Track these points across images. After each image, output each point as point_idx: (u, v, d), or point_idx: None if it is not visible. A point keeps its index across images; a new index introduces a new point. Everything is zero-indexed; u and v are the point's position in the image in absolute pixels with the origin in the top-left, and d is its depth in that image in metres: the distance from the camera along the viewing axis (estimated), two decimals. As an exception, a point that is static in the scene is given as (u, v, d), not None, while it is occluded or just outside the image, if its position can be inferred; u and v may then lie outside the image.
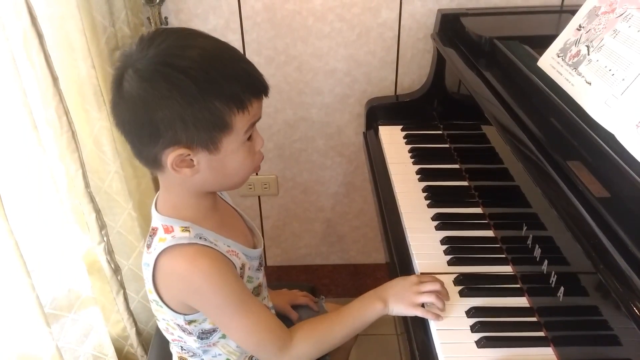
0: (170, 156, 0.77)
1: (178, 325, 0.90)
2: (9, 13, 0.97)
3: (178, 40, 0.78)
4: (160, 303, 0.87)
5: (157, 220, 0.86)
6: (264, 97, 0.82)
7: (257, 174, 1.71)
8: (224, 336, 0.93)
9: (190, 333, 0.90)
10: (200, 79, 0.74)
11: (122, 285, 1.33)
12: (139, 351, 1.44)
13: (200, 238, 0.84)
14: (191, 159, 0.79)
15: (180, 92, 0.73)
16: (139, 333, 1.43)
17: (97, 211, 1.22)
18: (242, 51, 1.52)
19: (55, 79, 1.05)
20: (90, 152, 1.25)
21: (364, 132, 1.52)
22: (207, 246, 0.84)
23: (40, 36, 1.00)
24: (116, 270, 1.30)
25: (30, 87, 1.03)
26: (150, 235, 0.87)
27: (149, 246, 0.86)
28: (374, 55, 1.54)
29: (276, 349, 0.89)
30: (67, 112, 1.09)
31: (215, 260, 0.83)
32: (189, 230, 0.83)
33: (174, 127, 0.75)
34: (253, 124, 0.81)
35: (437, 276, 0.95)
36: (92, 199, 1.19)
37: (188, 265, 0.82)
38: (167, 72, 0.74)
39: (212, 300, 0.84)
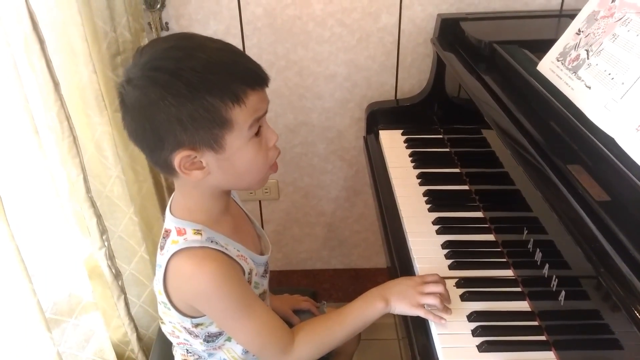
0: (177, 159, 0.78)
1: (185, 328, 0.90)
2: (10, 18, 0.97)
3: (165, 44, 0.78)
4: (169, 305, 0.87)
5: (170, 222, 0.87)
6: (261, 88, 0.80)
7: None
8: (229, 339, 0.93)
9: (196, 336, 0.91)
10: (189, 77, 0.73)
11: (123, 290, 1.33)
12: (140, 357, 1.43)
13: (211, 242, 0.84)
14: (200, 161, 0.79)
15: (171, 93, 0.73)
16: (140, 338, 1.43)
17: (98, 216, 1.22)
18: (242, 56, 1.53)
19: (56, 84, 1.05)
20: (92, 157, 1.25)
21: (364, 137, 1.52)
22: (217, 250, 0.84)
23: (41, 41, 1.01)
24: (117, 275, 1.30)
25: (31, 93, 1.03)
26: (163, 237, 0.87)
27: (162, 247, 0.87)
28: (374, 59, 1.54)
29: (279, 351, 0.90)
30: (68, 118, 1.09)
31: (222, 264, 0.84)
32: (201, 234, 0.84)
33: (173, 129, 0.75)
34: (258, 119, 0.80)
35: (438, 280, 0.95)
36: (93, 204, 1.19)
37: (194, 268, 0.82)
38: (155, 76, 0.74)
39: (217, 304, 0.85)
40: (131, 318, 1.38)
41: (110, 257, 1.27)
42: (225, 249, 0.85)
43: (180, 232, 0.84)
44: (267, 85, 0.81)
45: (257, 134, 0.81)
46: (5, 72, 0.97)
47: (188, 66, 0.74)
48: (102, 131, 1.23)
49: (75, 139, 1.12)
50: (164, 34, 1.47)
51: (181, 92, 0.73)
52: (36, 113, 1.04)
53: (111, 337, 1.36)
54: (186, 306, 0.87)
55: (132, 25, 1.31)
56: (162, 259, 0.85)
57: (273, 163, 0.86)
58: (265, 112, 0.82)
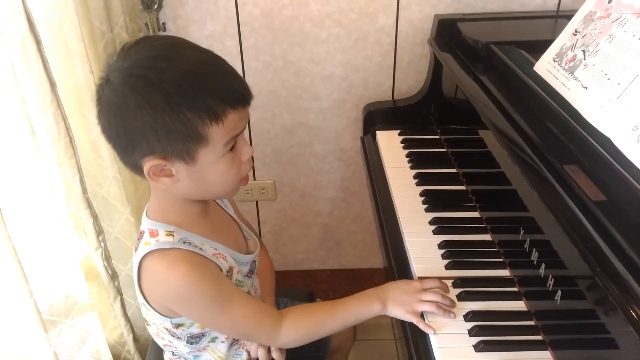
0: (146, 165, 0.78)
1: (167, 329, 0.90)
2: (7, 19, 0.97)
3: (151, 51, 0.77)
4: (148, 306, 0.88)
5: (145, 224, 0.87)
6: (242, 107, 0.79)
7: (254, 179, 1.72)
8: (213, 340, 0.93)
9: (179, 338, 0.91)
10: (169, 90, 0.73)
11: (119, 291, 1.32)
12: (136, 358, 1.43)
13: (184, 242, 0.84)
14: (169, 169, 0.79)
15: (149, 103, 0.73)
16: (136, 339, 1.43)
17: (95, 217, 1.21)
18: (239, 57, 1.53)
19: (53, 85, 1.05)
20: (88, 158, 1.25)
21: (361, 137, 1.52)
22: (190, 251, 0.84)
23: (38, 42, 1.00)
24: (113, 276, 1.30)
25: (28, 93, 1.03)
26: (138, 239, 0.88)
27: (136, 249, 0.87)
28: (371, 60, 1.55)
29: (267, 336, 0.91)
30: (64, 118, 1.09)
31: (195, 265, 0.83)
32: (173, 235, 0.84)
33: (146, 137, 0.75)
34: (234, 137, 0.80)
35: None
36: (90, 205, 1.19)
37: (167, 271, 0.82)
38: (135, 83, 0.74)
39: (193, 304, 0.84)
40: (127, 319, 1.37)
41: (107, 258, 1.27)
42: (200, 248, 0.85)
43: (153, 234, 0.84)
44: (249, 104, 0.80)
45: (232, 148, 0.81)
46: (2, 73, 0.97)
47: (169, 78, 0.73)
48: (98, 132, 1.21)
49: (71, 140, 1.11)
50: (161, 34, 1.47)
51: (159, 104, 0.73)
52: (33, 114, 1.04)
53: (107, 338, 1.36)
54: (163, 307, 0.87)
55: (129, 26, 1.31)
56: (135, 260, 0.85)
57: (244, 176, 0.86)
58: (243, 130, 0.82)
